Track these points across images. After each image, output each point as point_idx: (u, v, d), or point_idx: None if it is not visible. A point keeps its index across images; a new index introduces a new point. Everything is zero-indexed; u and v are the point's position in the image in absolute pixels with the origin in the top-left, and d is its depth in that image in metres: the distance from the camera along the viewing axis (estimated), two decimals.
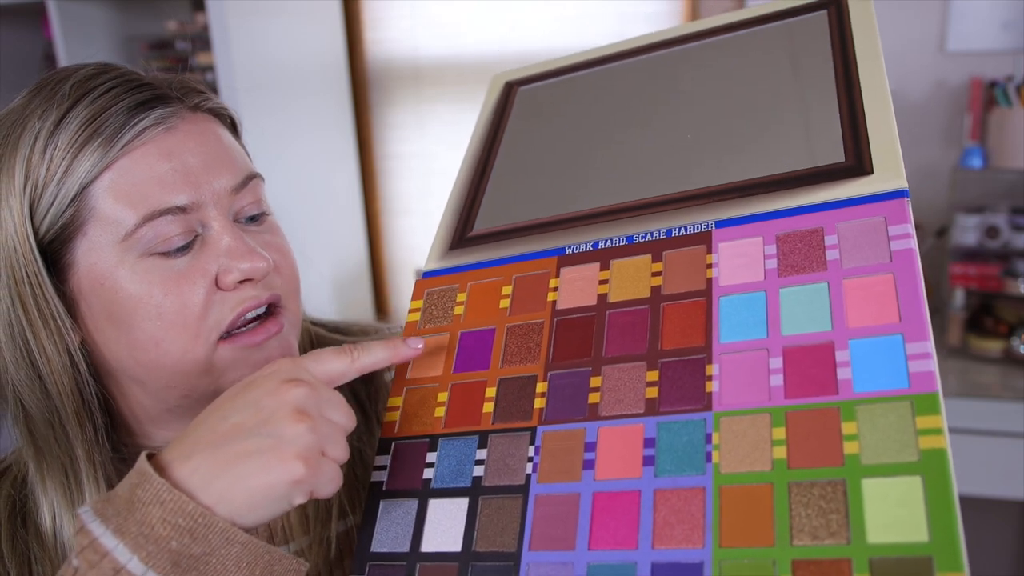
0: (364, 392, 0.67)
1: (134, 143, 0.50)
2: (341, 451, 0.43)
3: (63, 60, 1.91)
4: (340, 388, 0.66)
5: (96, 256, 0.50)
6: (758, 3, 1.95)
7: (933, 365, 0.37)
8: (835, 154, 0.47)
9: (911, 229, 0.42)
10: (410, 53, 2.29)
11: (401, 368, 0.52)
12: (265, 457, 0.40)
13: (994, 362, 1.66)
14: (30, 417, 0.53)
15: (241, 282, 0.52)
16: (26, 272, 0.50)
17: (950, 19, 1.81)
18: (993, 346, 1.68)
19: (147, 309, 0.51)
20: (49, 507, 0.53)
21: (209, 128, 0.54)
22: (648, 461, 0.41)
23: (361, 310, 2.32)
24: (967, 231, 1.71)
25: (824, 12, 0.56)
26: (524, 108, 0.63)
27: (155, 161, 0.50)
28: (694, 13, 2.04)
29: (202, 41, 1.85)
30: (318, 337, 0.68)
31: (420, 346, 0.49)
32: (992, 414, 1.50)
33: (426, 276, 0.55)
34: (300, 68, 2.02)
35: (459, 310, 0.52)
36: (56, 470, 0.53)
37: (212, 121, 0.56)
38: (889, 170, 0.45)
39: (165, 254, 0.51)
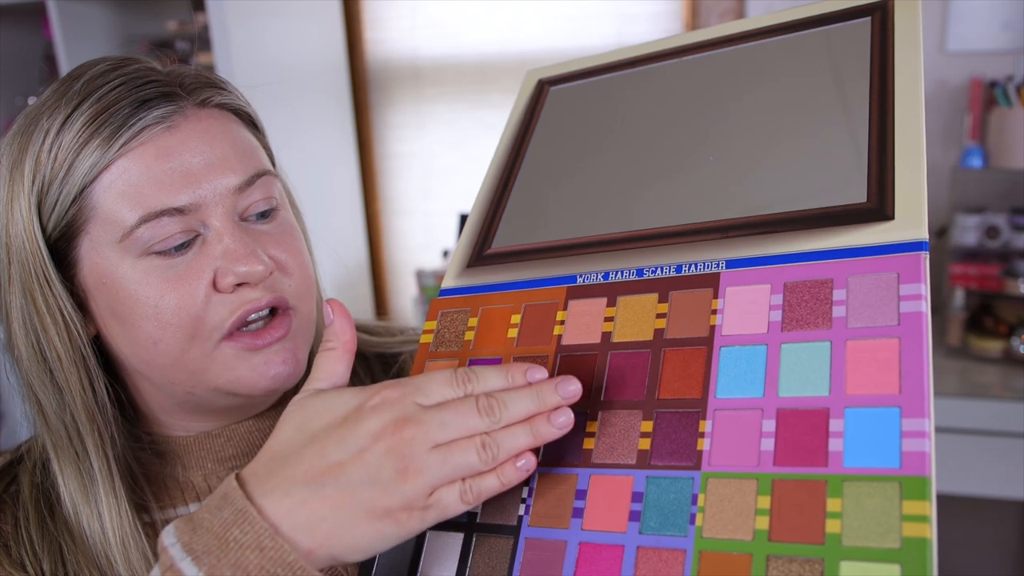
0: (379, 369, 0.68)
1: (132, 143, 0.50)
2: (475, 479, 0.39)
3: (63, 60, 1.91)
4: (360, 378, 0.66)
5: (98, 255, 0.51)
6: (758, 4, 1.95)
7: (928, 446, 0.36)
8: (857, 193, 0.45)
9: (924, 290, 0.40)
10: (410, 53, 2.29)
11: None
12: (377, 512, 0.37)
13: (994, 362, 1.66)
14: (43, 410, 0.54)
15: (239, 285, 0.52)
16: (34, 268, 0.51)
17: (950, 19, 1.81)
18: (993, 346, 1.68)
19: (145, 309, 0.51)
20: (69, 498, 0.53)
21: (216, 125, 0.54)
22: (634, 516, 0.40)
23: (361, 310, 2.32)
24: (967, 231, 1.71)
25: (868, 20, 0.53)
26: (553, 112, 0.62)
27: (153, 161, 0.50)
28: (694, 13, 2.04)
29: (202, 41, 1.85)
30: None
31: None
32: (992, 414, 1.50)
33: (443, 295, 0.55)
34: (300, 68, 2.02)
35: (469, 335, 0.51)
36: (70, 461, 0.53)
37: (222, 117, 0.55)
38: (911, 217, 0.42)
39: (164, 254, 0.51)
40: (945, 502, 1.63)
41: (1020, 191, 1.73)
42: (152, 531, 0.56)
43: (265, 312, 0.54)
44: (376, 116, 2.36)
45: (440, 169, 2.35)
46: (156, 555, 0.54)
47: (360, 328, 0.70)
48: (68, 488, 0.53)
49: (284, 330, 0.54)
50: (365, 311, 2.36)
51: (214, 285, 0.51)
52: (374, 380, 0.67)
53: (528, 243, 0.54)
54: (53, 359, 0.52)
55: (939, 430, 1.52)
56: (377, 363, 0.69)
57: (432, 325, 0.53)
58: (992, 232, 1.70)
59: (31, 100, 2.20)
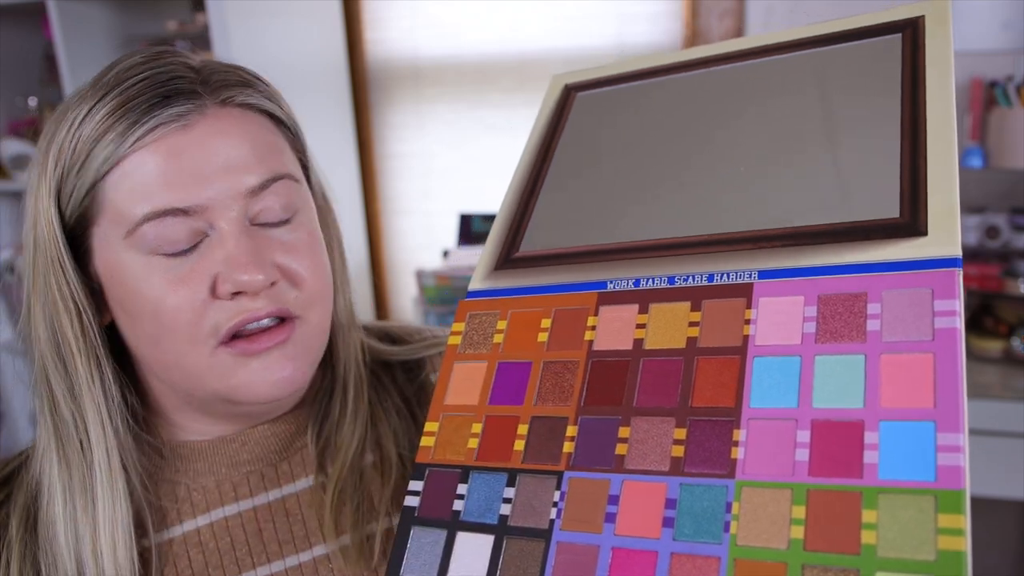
0: (413, 396, 0.67)
1: (145, 140, 0.50)
2: None
3: (63, 60, 1.91)
4: (385, 387, 0.66)
5: (108, 248, 0.51)
6: (758, 4, 1.95)
7: (963, 460, 0.36)
8: (890, 208, 0.45)
9: (958, 306, 0.40)
10: (410, 53, 2.29)
11: (439, 393, 0.51)
12: None
13: (994, 362, 1.66)
14: (53, 397, 0.54)
15: (237, 293, 0.51)
16: (51, 253, 0.52)
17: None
18: (993, 346, 1.68)
19: (145, 307, 0.51)
20: (61, 507, 0.53)
21: (235, 125, 0.53)
22: (668, 522, 0.41)
23: (361, 310, 2.32)
24: (967, 231, 1.71)
25: (898, 36, 0.53)
26: (580, 118, 0.62)
27: (164, 160, 0.50)
28: (694, 13, 2.04)
29: (202, 41, 1.85)
30: (368, 347, 0.66)
31: None
32: (992, 414, 1.50)
33: (470, 296, 0.54)
34: (300, 68, 2.02)
35: (498, 338, 0.51)
36: (74, 453, 0.53)
37: (243, 117, 0.54)
38: (944, 233, 0.43)
39: (167, 255, 0.50)
40: None
41: (1020, 191, 1.73)
42: (149, 555, 0.55)
43: (265, 321, 0.52)
44: (376, 116, 2.36)
45: (440, 169, 2.35)
46: None
47: (381, 333, 0.70)
48: (66, 511, 0.53)
49: (284, 336, 0.53)
50: (365, 311, 2.36)
51: (214, 290, 0.51)
52: (399, 390, 0.67)
53: (556, 247, 0.54)
54: (65, 346, 0.52)
55: None
56: (401, 371, 0.68)
57: (460, 327, 0.53)
58: (992, 232, 1.70)
59: (31, 100, 2.20)
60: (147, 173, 0.50)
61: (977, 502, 1.78)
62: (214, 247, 0.51)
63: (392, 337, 0.71)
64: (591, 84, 0.65)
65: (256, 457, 0.59)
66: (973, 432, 1.52)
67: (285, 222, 0.54)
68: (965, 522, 0.35)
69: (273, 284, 0.52)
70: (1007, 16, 1.78)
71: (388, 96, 2.34)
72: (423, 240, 2.42)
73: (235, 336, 0.52)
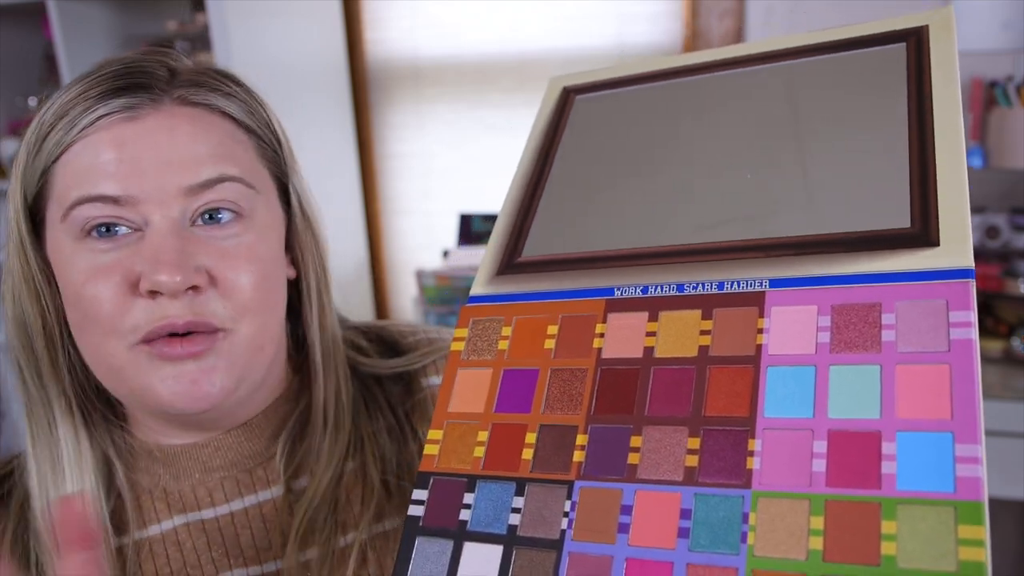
0: (402, 405, 0.65)
1: (89, 129, 0.50)
2: None
3: (63, 60, 1.91)
4: (378, 402, 0.64)
5: (51, 231, 0.52)
6: (759, 4, 1.95)
7: (982, 471, 0.36)
8: (900, 218, 0.45)
9: (973, 317, 0.40)
10: (410, 53, 2.29)
11: (443, 399, 0.50)
12: None
13: (994, 362, 1.66)
14: (22, 371, 0.55)
15: (153, 292, 0.49)
16: (17, 234, 0.53)
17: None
18: (993, 346, 1.68)
19: (71, 295, 0.51)
20: (40, 495, 0.54)
21: (188, 123, 0.52)
22: (683, 533, 0.40)
23: (361, 310, 2.32)
24: None
25: (902, 45, 0.53)
26: (580, 121, 0.62)
27: (104, 149, 0.50)
28: (694, 13, 2.04)
29: (202, 41, 1.85)
30: (355, 362, 0.64)
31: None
32: (992, 414, 1.50)
33: (472, 302, 0.54)
34: (300, 68, 2.02)
35: (503, 345, 0.51)
36: (41, 428, 0.55)
37: (200, 117, 0.53)
38: (956, 244, 0.43)
39: (95, 240, 0.50)
40: None
41: (1020, 191, 1.72)
42: (120, 555, 0.55)
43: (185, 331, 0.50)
44: (376, 116, 2.36)
45: (440, 169, 2.35)
46: None
47: (375, 336, 0.68)
48: (36, 472, 0.54)
49: (202, 346, 0.50)
50: (365, 311, 2.36)
51: (136, 287, 0.49)
52: (391, 405, 0.65)
53: (560, 253, 0.54)
54: (29, 325, 0.54)
55: None
56: (394, 381, 0.66)
57: (463, 332, 0.52)
58: (992, 232, 1.70)
59: (31, 100, 2.20)
60: (88, 160, 0.50)
61: None
62: (143, 243, 0.50)
63: (386, 341, 0.69)
64: (590, 87, 0.64)
65: (229, 463, 0.58)
66: None
67: (226, 225, 0.52)
68: (985, 533, 0.35)
69: (196, 289, 0.50)
70: (1007, 16, 1.78)
71: (388, 96, 2.34)
72: (423, 240, 2.42)
73: (154, 338, 0.50)
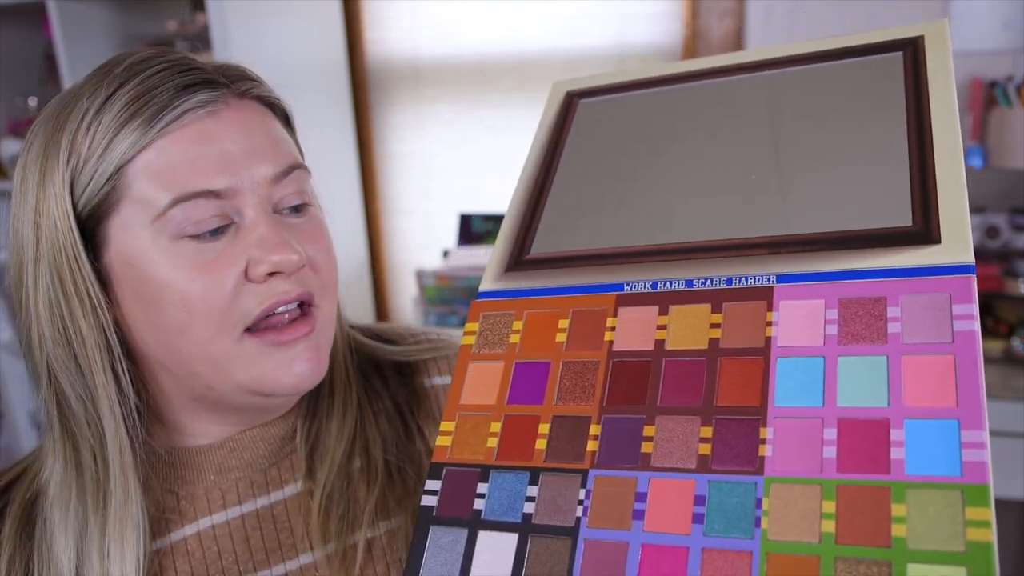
0: (405, 400, 0.66)
1: (173, 125, 0.50)
2: None
3: (63, 60, 1.91)
4: (377, 394, 0.65)
5: (128, 236, 0.50)
6: (759, 4, 1.95)
7: (986, 456, 0.37)
8: (902, 217, 0.47)
9: (975, 310, 0.41)
10: (410, 53, 2.29)
11: (455, 392, 0.51)
12: None
13: (994, 362, 1.66)
14: (63, 396, 0.53)
15: (271, 275, 0.51)
16: (64, 247, 0.50)
17: (950, 19, 1.81)
18: (993, 346, 1.68)
19: (173, 294, 0.50)
20: (65, 523, 0.52)
21: (255, 116, 0.54)
22: (697, 519, 0.41)
23: (361, 310, 2.32)
24: None
25: (900, 54, 0.55)
26: (585, 123, 0.63)
27: (192, 144, 0.50)
28: (694, 13, 2.04)
29: (202, 41, 1.85)
30: (357, 343, 0.66)
31: None
32: (992, 414, 1.50)
33: (481, 297, 0.54)
34: (300, 68, 2.02)
35: (515, 338, 0.51)
36: (86, 451, 0.53)
37: (260, 109, 0.55)
38: (957, 241, 0.44)
39: (196, 238, 0.50)
40: None
41: (1020, 191, 1.72)
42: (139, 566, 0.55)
43: (293, 306, 0.53)
44: (376, 116, 2.36)
45: (440, 169, 2.35)
46: None
47: (372, 335, 0.69)
48: (64, 497, 0.53)
49: (309, 327, 0.54)
50: (365, 311, 2.36)
51: (246, 274, 0.51)
52: (391, 393, 0.66)
53: (569, 250, 0.54)
54: (78, 341, 0.51)
55: None
56: (394, 374, 0.67)
57: (474, 327, 0.53)
58: (992, 232, 1.70)
59: (31, 100, 2.20)
60: (176, 157, 0.50)
61: None
62: (244, 232, 0.51)
63: (384, 340, 0.70)
64: (593, 91, 0.65)
65: (245, 463, 0.59)
66: None
67: (301, 211, 0.55)
68: (991, 515, 0.36)
69: (303, 266, 0.53)
70: (1007, 16, 1.78)
71: (388, 96, 2.34)
72: (423, 240, 2.42)
73: (261, 328, 0.52)
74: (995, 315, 1.72)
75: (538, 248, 0.56)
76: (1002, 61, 1.80)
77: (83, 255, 0.50)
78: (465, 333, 0.53)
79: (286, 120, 0.59)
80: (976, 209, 1.74)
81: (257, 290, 0.51)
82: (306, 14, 2.05)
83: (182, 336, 0.51)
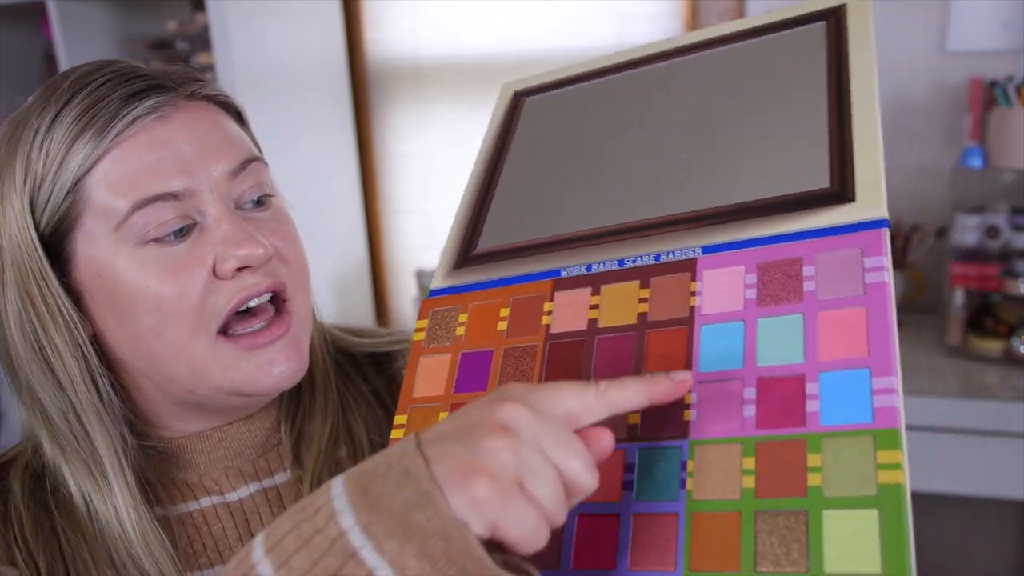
0: (383, 387, 0.67)
1: (125, 133, 0.50)
2: (550, 496, 0.34)
3: (63, 60, 1.91)
4: (355, 384, 0.66)
5: (94, 248, 0.51)
6: (758, 4, 1.95)
7: (897, 400, 0.38)
8: (820, 179, 0.48)
9: (886, 261, 0.43)
10: (410, 53, 2.29)
11: (407, 386, 0.52)
12: (452, 464, 0.33)
13: (994, 362, 1.66)
14: (47, 412, 0.53)
15: (239, 270, 0.52)
16: (30, 267, 0.51)
17: (950, 19, 1.81)
18: (993, 346, 1.68)
19: (145, 299, 0.51)
20: (82, 499, 0.53)
21: (206, 115, 0.54)
22: (627, 486, 0.43)
23: (361, 310, 2.32)
24: (967, 231, 1.71)
25: (823, 24, 0.56)
26: (530, 121, 0.64)
27: (146, 150, 0.51)
28: (694, 13, 2.04)
29: (202, 41, 1.85)
30: (332, 336, 0.67)
31: (685, 378, 0.41)
32: (992, 414, 1.50)
33: (432, 295, 0.56)
34: (300, 68, 2.02)
35: (460, 331, 0.53)
36: (80, 462, 0.53)
37: (210, 108, 0.56)
38: (871, 198, 0.45)
39: (160, 241, 0.51)
40: (945, 502, 1.63)
41: (1020, 191, 1.72)
42: (165, 524, 0.55)
43: (266, 298, 0.53)
44: (376, 116, 2.35)
45: (440, 169, 2.35)
46: (189, 545, 0.55)
47: (345, 330, 0.70)
48: (82, 490, 0.53)
49: (285, 328, 0.54)
50: (365, 311, 2.36)
51: (214, 272, 0.51)
52: (368, 382, 0.67)
53: (512, 242, 0.56)
54: (55, 358, 0.51)
55: (939, 430, 1.51)
56: (369, 363, 0.69)
57: (424, 324, 0.55)
58: (992, 232, 1.70)
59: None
60: (131, 164, 0.50)
61: (977, 502, 1.78)
62: (208, 231, 0.52)
63: (356, 335, 0.71)
64: (538, 89, 0.67)
65: (233, 453, 0.59)
66: (973, 432, 1.52)
67: (263, 204, 0.56)
68: (902, 457, 0.37)
69: (270, 259, 0.53)
70: (1007, 16, 1.78)
71: (388, 96, 2.34)
72: (423, 240, 2.42)
73: (238, 334, 0.53)
74: (995, 315, 1.72)
75: (484, 243, 0.57)
76: (1002, 61, 1.79)
77: (50, 273, 0.51)
78: (416, 330, 0.55)
79: (240, 117, 0.59)
80: (976, 209, 1.74)
81: (227, 286, 0.52)
82: (306, 14, 2.05)
83: (158, 341, 0.51)
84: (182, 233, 0.51)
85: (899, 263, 1.83)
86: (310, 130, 2.05)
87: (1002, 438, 1.51)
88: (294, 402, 0.63)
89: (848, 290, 0.43)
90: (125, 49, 2.03)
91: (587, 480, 0.36)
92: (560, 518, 0.35)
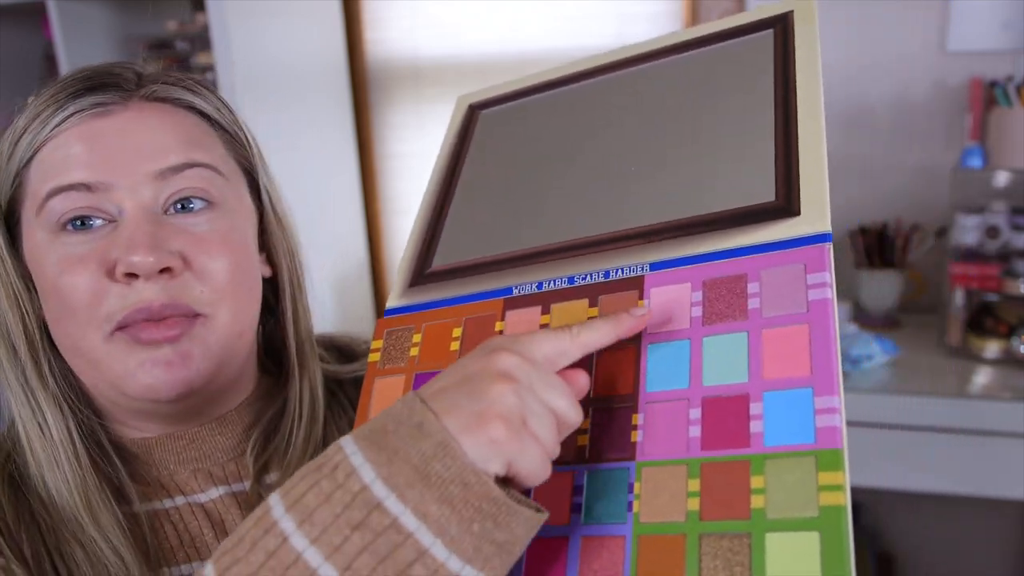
0: (356, 394, 0.67)
1: (66, 124, 0.52)
2: (548, 433, 0.38)
3: (63, 60, 1.91)
4: (341, 404, 0.65)
5: (27, 230, 0.53)
6: (759, 4, 1.95)
7: (839, 420, 0.38)
8: (767, 192, 0.48)
9: (828, 278, 0.42)
10: (410, 53, 2.29)
11: (363, 408, 0.52)
12: (464, 414, 0.37)
13: (994, 362, 1.66)
14: (8, 376, 0.55)
15: (129, 275, 0.50)
16: None
17: (950, 19, 1.81)
18: (993, 346, 1.68)
19: (49, 287, 0.52)
20: (36, 467, 0.54)
21: (156, 116, 0.54)
22: (576, 508, 0.43)
23: (361, 310, 2.32)
24: (967, 231, 1.71)
25: (771, 32, 0.56)
26: (483, 135, 0.64)
27: (78, 141, 0.52)
28: (694, 13, 2.04)
29: (202, 41, 1.85)
30: (326, 374, 0.67)
31: (644, 314, 0.45)
32: (992, 414, 1.50)
33: (387, 314, 0.56)
34: (300, 68, 2.02)
35: (414, 351, 0.53)
36: (33, 428, 0.54)
37: (170, 111, 0.55)
38: (815, 211, 0.45)
39: (68, 231, 0.51)
40: (945, 502, 1.63)
41: (1020, 191, 1.72)
42: (135, 519, 0.55)
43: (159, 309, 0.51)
44: (376, 116, 2.35)
45: None
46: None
47: (327, 344, 0.70)
48: (35, 459, 0.54)
49: (179, 330, 0.51)
50: (365, 311, 2.36)
51: (112, 273, 0.50)
52: (353, 405, 0.66)
53: (466, 260, 0.56)
54: (13, 334, 0.54)
55: (939, 430, 1.51)
56: (353, 387, 0.68)
57: (379, 344, 0.54)
58: (992, 232, 1.70)
59: (31, 100, 2.20)
60: (61, 154, 0.51)
61: (977, 502, 1.78)
62: (119, 230, 0.51)
63: (338, 347, 0.70)
64: (493, 102, 0.67)
65: (204, 455, 0.59)
66: (973, 432, 1.52)
67: (195, 212, 0.53)
68: (844, 477, 0.37)
69: (170, 272, 0.50)
70: (1007, 16, 1.78)
71: (388, 96, 2.34)
72: None
73: (130, 322, 0.51)
74: (995, 315, 1.72)
75: (439, 261, 0.57)
76: (1002, 61, 1.79)
77: (4, 250, 0.53)
78: (371, 351, 0.54)
79: (219, 127, 0.58)
80: (976, 209, 1.74)
81: (122, 291, 0.50)
82: (306, 14, 2.05)
83: (59, 328, 0.53)
84: (89, 226, 0.51)
85: (899, 263, 1.83)
86: (310, 130, 2.05)
87: (1002, 438, 1.50)
88: (271, 427, 0.61)
89: (792, 307, 0.42)
90: (125, 49, 2.03)
91: (574, 416, 0.40)
92: (557, 451, 0.39)
